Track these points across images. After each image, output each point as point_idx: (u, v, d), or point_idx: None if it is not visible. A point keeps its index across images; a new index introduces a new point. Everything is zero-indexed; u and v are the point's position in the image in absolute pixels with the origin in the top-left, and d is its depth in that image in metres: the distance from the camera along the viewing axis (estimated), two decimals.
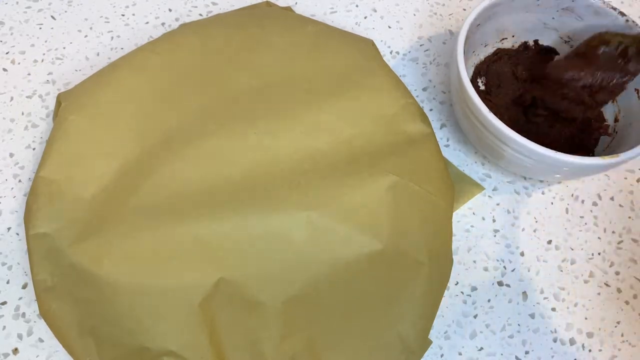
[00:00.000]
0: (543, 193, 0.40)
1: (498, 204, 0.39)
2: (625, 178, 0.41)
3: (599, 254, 0.38)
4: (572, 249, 0.38)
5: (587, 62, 0.37)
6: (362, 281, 0.34)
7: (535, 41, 0.43)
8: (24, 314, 0.35)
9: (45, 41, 0.45)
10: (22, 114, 0.42)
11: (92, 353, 0.32)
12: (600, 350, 0.35)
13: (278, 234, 0.34)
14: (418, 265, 0.34)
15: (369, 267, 0.34)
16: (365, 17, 0.47)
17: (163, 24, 0.46)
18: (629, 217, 0.39)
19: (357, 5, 0.48)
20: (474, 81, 0.42)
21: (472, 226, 0.39)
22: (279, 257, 0.34)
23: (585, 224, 0.39)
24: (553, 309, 0.36)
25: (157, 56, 0.41)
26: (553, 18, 0.41)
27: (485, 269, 0.37)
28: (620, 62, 0.36)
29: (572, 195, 0.40)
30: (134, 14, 0.47)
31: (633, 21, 0.37)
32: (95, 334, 0.32)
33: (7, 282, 0.36)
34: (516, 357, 0.35)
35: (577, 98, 0.37)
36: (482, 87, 0.43)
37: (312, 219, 0.34)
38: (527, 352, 0.35)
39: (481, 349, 0.35)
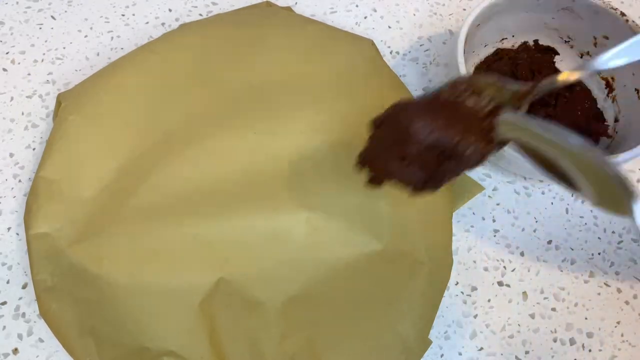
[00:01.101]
0: (543, 193, 0.40)
1: (498, 204, 0.39)
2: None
3: (599, 254, 0.38)
4: (572, 249, 0.38)
5: (445, 113, 0.25)
6: (362, 281, 0.34)
7: (535, 41, 0.43)
8: (24, 314, 0.35)
9: (45, 41, 0.45)
10: (22, 114, 0.42)
11: (92, 353, 0.32)
12: (600, 350, 0.35)
13: (278, 234, 0.34)
14: (418, 265, 0.34)
15: (369, 267, 0.34)
16: (365, 17, 0.47)
17: (163, 24, 0.46)
18: None
19: (357, 5, 0.48)
20: None
21: (472, 226, 0.39)
22: (279, 257, 0.34)
23: (585, 224, 0.39)
24: (553, 309, 0.36)
25: (157, 56, 0.41)
26: (553, 18, 0.41)
27: (485, 269, 0.37)
28: (486, 124, 0.25)
29: (572, 195, 0.40)
30: (134, 14, 0.47)
31: (633, 21, 0.37)
32: (95, 334, 0.32)
33: (7, 282, 0.36)
34: (516, 357, 0.35)
35: (417, 161, 0.26)
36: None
37: (312, 219, 0.34)
38: (527, 352, 0.35)
39: (481, 349, 0.35)
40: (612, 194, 0.19)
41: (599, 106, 0.41)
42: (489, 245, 0.38)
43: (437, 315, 0.35)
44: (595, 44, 0.40)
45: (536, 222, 0.39)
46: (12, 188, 0.39)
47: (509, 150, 0.35)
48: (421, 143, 0.25)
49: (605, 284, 0.37)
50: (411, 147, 0.25)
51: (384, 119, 0.27)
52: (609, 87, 0.41)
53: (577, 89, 0.42)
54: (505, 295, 0.36)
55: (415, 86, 0.44)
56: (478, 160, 0.25)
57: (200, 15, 0.47)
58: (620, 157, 0.33)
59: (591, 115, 0.41)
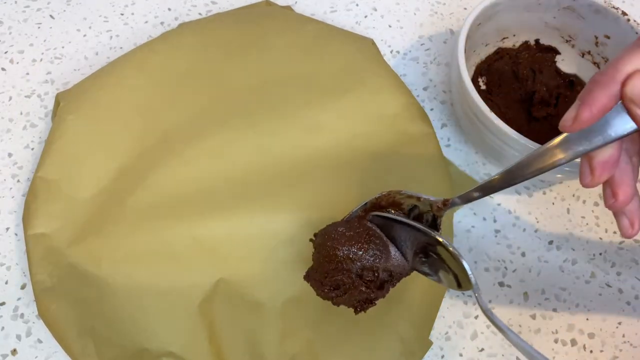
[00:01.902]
0: (544, 193, 0.40)
1: (499, 204, 0.39)
2: None
3: (601, 254, 0.38)
4: (574, 250, 0.38)
5: (368, 236, 0.27)
6: None
7: (537, 40, 0.43)
8: (22, 315, 0.35)
9: (44, 40, 0.45)
10: (21, 113, 0.41)
11: (91, 354, 0.31)
12: (601, 351, 0.35)
13: (278, 235, 0.34)
14: None
15: None
16: (365, 16, 0.47)
17: (162, 23, 0.46)
18: None
19: (357, 4, 0.48)
20: (475, 81, 0.42)
21: (473, 226, 0.38)
22: (279, 258, 0.34)
23: (587, 224, 0.39)
24: (554, 310, 0.36)
25: (156, 56, 0.40)
26: (554, 17, 0.41)
27: (486, 270, 0.37)
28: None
29: (574, 195, 0.40)
30: (133, 13, 0.46)
31: (634, 20, 0.37)
32: (95, 335, 0.32)
33: (6, 283, 0.35)
34: (517, 358, 0.34)
35: (352, 288, 0.27)
36: (483, 87, 0.42)
37: (313, 220, 0.34)
38: None
39: (482, 349, 0.35)
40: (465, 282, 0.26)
41: None
42: (490, 245, 0.38)
43: (438, 316, 0.35)
44: (596, 44, 0.40)
45: (537, 222, 0.39)
46: (11, 188, 0.38)
47: (510, 150, 0.34)
48: (351, 271, 0.26)
49: (606, 284, 0.37)
50: (343, 277, 0.26)
51: (316, 246, 0.28)
52: None
53: (579, 89, 0.42)
54: (506, 295, 0.36)
55: (416, 86, 0.44)
56: (408, 270, 0.28)
57: (200, 14, 0.47)
58: None
59: None
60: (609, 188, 0.24)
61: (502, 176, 0.25)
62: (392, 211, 0.28)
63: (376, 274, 0.26)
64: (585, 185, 0.23)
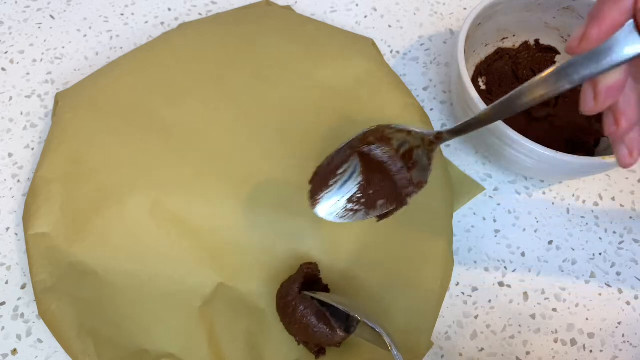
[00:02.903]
0: (544, 193, 0.40)
1: (499, 204, 0.39)
2: (627, 178, 0.41)
3: (600, 254, 0.38)
4: (573, 250, 0.38)
5: (381, 173, 0.27)
6: (362, 287, 0.34)
7: (536, 40, 0.43)
8: (22, 315, 0.35)
9: (44, 41, 0.45)
10: (21, 113, 0.41)
11: (91, 354, 0.31)
12: (601, 351, 0.35)
13: (281, 243, 0.34)
14: (418, 266, 0.34)
15: (369, 271, 0.34)
16: (365, 17, 0.47)
17: (162, 23, 0.46)
18: (630, 218, 0.39)
19: (357, 5, 0.48)
20: (474, 81, 0.42)
21: (472, 226, 0.38)
22: (280, 265, 0.34)
23: (587, 224, 0.39)
24: (554, 310, 0.36)
25: (157, 56, 0.40)
26: (554, 17, 0.41)
27: (486, 270, 0.37)
28: (402, 167, 0.26)
29: (573, 195, 0.40)
30: (133, 14, 0.46)
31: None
32: (95, 335, 0.32)
33: (6, 283, 0.35)
34: (517, 357, 0.34)
35: (312, 340, 0.30)
36: (483, 87, 0.42)
37: (315, 226, 0.34)
38: (528, 353, 0.35)
39: (482, 349, 0.35)
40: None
41: None
42: (489, 245, 0.38)
43: (438, 316, 0.35)
44: None
45: (537, 222, 0.39)
46: (11, 188, 0.39)
47: (510, 151, 0.34)
48: (308, 325, 0.29)
49: (606, 284, 0.37)
50: (301, 330, 0.29)
51: (277, 302, 0.31)
52: None
53: (579, 89, 0.42)
54: (506, 295, 0.36)
55: (416, 86, 0.44)
56: (401, 202, 0.28)
57: (200, 14, 0.47)
58: None
59: (592, 115, 0.41)
60: (612, 115, 0.22)
61: (498, 106, 0.23)
62: (382, 148, 0.26)
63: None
64: (587, 112, 0.22)
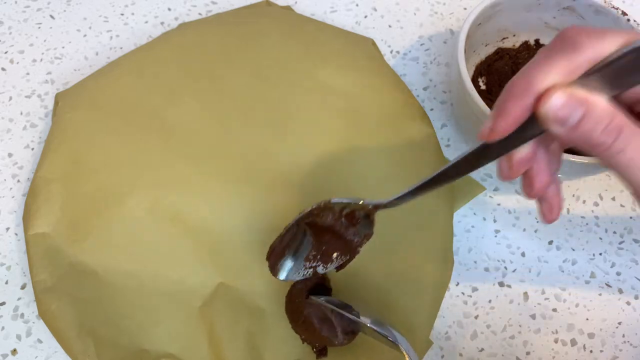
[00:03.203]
0: None
1: (499, 204, 0.39)
2: None
3: (600, 254, 0.38)
4: (574, 250, 0.38)
5: (330, 233, 0.31)
6: (362, 287, 0.34)
7: (537, 40, 0.43)
8: (22, 315, 0.35)
9: (44, 40, 0.45)
10: (21, 113, 0.41)
11: (91, 354, 0.32)
12: (601, 351, 0.35)
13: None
14: (418, 266, 0.34)
15: (369, 270, 0.34)
16: (365, 16, 0.47)
17: (162, 23, 0.46)
18: (630, 218, 0.39)
19: (357, 5, 0.48)
20: (475, 81, 0.42)
21: (472, 226, 0.38)
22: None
23: (587, 224, 0.39)
24: (554, 310, 0.36)
25: (156, 56, 0.40)
26: (554, 17, 0.41)
27: (486, 270, 0.37)
28: (348, 224, 0.30)
29: (574, 195, 0.40)
30: (133, 14, 0.46)
31: (634, 20, 0.37)
32: (95, 335, 0.32)
33: (6, 283, 0.35)
34: (517, 358, 0.34)
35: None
36: (483, 87, 0.42)
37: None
38: (528, 353, 0.35)
39: (482, 349, 0.35)
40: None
41: None
42: (489, 245, 0.38)
43: (438, 316, 0.35)
44: None
45: (537, 222, 0.39)
46: (11, 188, 0.38)
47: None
48: (314, 330, 0.31)
49: (606, 284, 0.37)
50: (308, 333, 0.31)
51: (286, 304, 0.33)
52: None
53: None
54: (506, 295, 0.36)
55: (416, 86, 0.44)
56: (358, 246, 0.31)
57: (200, 14, 0.47)
58: None
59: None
60: (527, 178, 0.25)
61: (423, 183, 0.26)
62: (326, 215, 0.30)
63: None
64: (504, 179, 0.25)
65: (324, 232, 0.30)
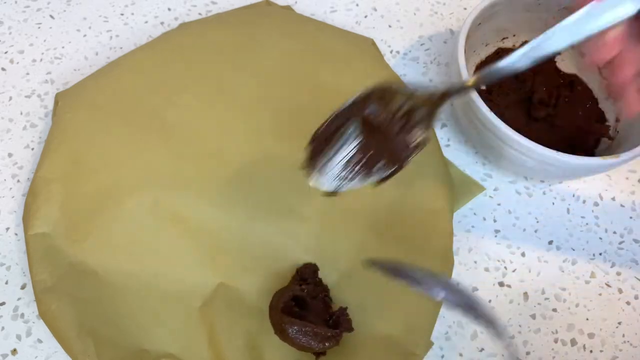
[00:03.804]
0: (544, 193, 0.40)
1: (499, 204, 0.39)
2: (627, 178, 0.41)
3: (600, 254, 0.38)
4: (574, 250, 0.38)
5: (381, 135, 0.27)
6: (362, 288, 0.34)
7: None
8: (22, 315, 0.35)
9: (44, 40, 0.45)
10: (21, 113, 0.41)
11: (91, 354, 0.31)
12: (601, 351, 0.35)
13: (281, 243, 0.34)
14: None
15: (369, 273, 0.34)
16: (365, 16, 0.47)
17: (162, 23, 0.46)
18: (630, 218, 0.39)
19: (357, 4, 0.48)
20: None
21: (472, 226, 0.38)
22: (280, 265, 0.34)
23: (587, 224, 0.39)
24: (554, 310, 0.36)
25: (156, 56, 0.40)
26: (554, 17, 0.41)
27: (486, 270, 0.37)
28: (402, 127, 0.26)
29: (574, 195, 0.40)
30: (133, 13, 0.46)
31: None
32: (95, 335, 0.32)
33: (6, 283, 0.35)
34: (517, 358, 0.34)
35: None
36: (483, 87, 0.42)
37: (316, 230, 0.34)
38: (528, 353, 0.35)
39: (482, 349, 0.35)
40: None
41: (600, 106, 0.41)
42: (489, 245, 0.38)
43: (438, 316, 0.35)
44: None
45: (537, 222, 0.39)
46: (11, 188, 0.38)
47: (510, 150, 0.34)
48: (295, 342, 0.29)
49: (606, 284, 0.37)
50: (293, 344, 0.30)
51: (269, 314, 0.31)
52: None
53: (579, 89, 0.42)
54: (506, 295, 0.36)
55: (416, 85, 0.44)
56: (402, 162, 0.27)
57: (200, 14, 0.47)
58: (621, 157, 0.33)
59: (592, 115, 0.41)
60: (611, 68, 0.26)
61: (527, 51, 0.25)
62: (382, 109, 0.26)
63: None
64: (594, 60, 0.26)
65: (375, 131, 0.26)
